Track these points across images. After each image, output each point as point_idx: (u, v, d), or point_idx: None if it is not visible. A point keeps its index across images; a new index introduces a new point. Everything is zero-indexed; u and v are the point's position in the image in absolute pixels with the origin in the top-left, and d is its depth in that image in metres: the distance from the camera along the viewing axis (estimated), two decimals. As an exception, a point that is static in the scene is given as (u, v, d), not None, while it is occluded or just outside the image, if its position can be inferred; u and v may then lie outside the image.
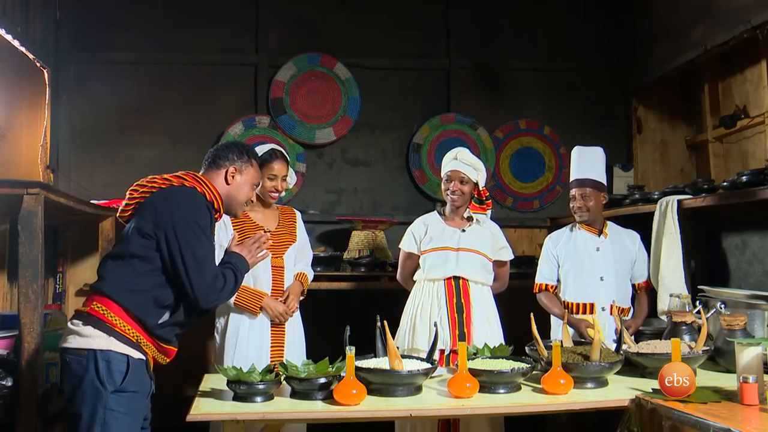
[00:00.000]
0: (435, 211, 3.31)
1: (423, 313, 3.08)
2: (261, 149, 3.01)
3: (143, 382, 2.16)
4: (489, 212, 3.26)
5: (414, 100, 4.74)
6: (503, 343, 2.85)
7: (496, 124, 4.78)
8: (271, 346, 3.00)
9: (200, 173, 2.36)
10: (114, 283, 2.13)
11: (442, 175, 3.21)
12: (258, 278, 3.01)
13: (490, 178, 4.69)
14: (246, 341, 2.99)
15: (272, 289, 3.03)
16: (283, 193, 3.16)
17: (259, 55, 4.61)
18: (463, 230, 3.17)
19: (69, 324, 2.17)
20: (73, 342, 2.11)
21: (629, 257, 3.30)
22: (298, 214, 3.23)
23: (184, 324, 2.26)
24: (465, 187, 3.14)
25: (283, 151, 3.10)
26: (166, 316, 2.18)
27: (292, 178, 3.19)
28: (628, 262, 3.30)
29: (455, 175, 3.14)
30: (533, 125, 4.81)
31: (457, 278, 3.08)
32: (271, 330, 3.01)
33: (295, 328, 3.11)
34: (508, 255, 3.26)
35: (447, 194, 3.17)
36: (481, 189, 3.20)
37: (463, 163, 3.13)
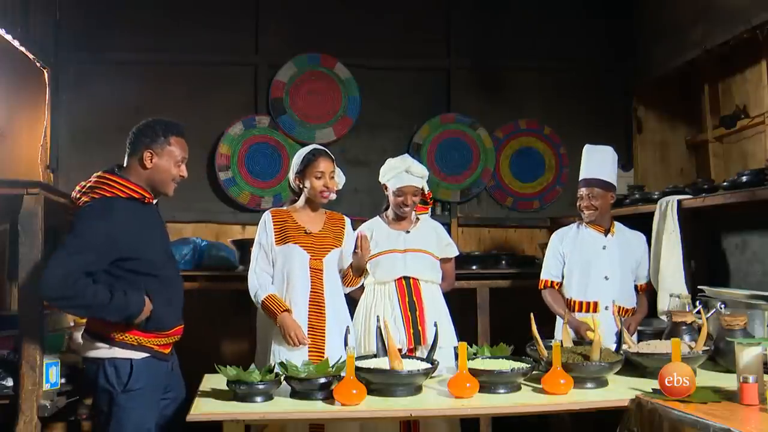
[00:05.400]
0: (378, 216, 3.29)
1: (376, 315, 2.96)
2: (302, 152, 2.98)
3: (150, 374, 2.34)
4: (429, 210, 3.35)
5: (414, 100, 4.74)
6: (458, 341, 2.77)
7: (496, 124, 4.78)
8: (309, 351, 2.81)
9: (124, 161, 2.37)
10: None
11: (389, 185, 3.16)
12: (294, 280, 2.85)
13: (490, 178, 4.72)
14: (280, 343, 2.83)
15: (310, 292, 2.86)
16: (333, 196, 2.96)
17: (259, 55, 4.61)
18: (408, 231, 3.18)
19: (81, 337, 2.44)
20: (86, 353, 2.37)
21: (634, 258, 3.29)
22: (348, 221, 3.07)
23: (170, 302, 2.40)
24: (417, 198, 3.17)
25: (326, 149, 3.01)
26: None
27: (340, 177, 3.04)
28: (632, 263, 3.28)
29: (409, 189, 3.12)
30: (533, 125, 4.81)
31: (407, 278, 3.10)
32: (309, 333, 2.82)
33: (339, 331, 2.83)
34: (453, 251, 3.29)
35: (400, 207, 3.14)
36: (426, 192, 3.25)
37: (416, 177, 3.13)
